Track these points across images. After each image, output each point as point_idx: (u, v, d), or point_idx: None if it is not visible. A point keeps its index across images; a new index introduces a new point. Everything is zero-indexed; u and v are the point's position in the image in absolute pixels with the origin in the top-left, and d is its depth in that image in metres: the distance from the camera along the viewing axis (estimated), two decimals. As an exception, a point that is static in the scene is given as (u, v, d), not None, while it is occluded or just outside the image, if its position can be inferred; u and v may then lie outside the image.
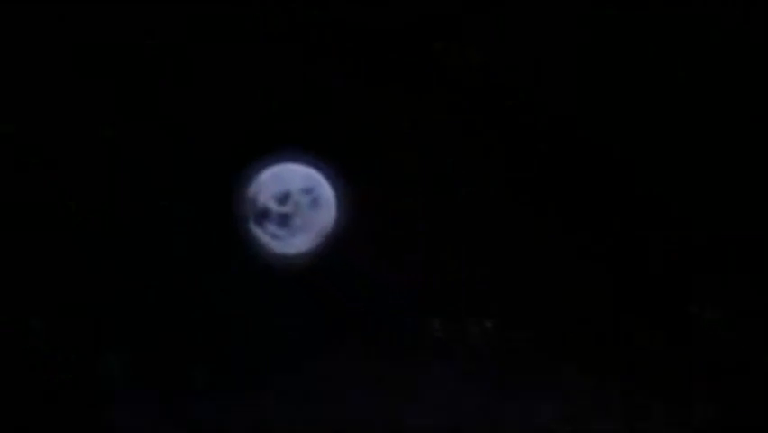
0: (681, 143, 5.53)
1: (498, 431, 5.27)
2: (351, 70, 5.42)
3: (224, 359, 5.29)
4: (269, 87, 5.39)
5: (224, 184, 5.34)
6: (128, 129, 5.34)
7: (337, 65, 5.41)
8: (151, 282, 5.29)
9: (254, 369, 5.25)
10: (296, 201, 5.38)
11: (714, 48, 5.57)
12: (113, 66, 5.34)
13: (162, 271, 5.31)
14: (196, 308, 5.35)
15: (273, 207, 5.37)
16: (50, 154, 5.31)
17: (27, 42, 5.32)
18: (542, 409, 5.32)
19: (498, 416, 5.29)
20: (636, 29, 5.56)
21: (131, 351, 5.25)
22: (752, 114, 5.56)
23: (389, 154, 5.45)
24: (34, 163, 5.32)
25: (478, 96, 5.50)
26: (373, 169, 5.42)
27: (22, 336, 5.24)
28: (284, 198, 5.38)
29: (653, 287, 5.50)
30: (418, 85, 5.48)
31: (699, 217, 5.51)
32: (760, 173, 5.53)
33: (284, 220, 5.37)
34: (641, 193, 5.54)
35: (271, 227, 5.37)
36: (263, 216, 5.36)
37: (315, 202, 5.38)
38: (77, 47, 5.31)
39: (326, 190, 5.38)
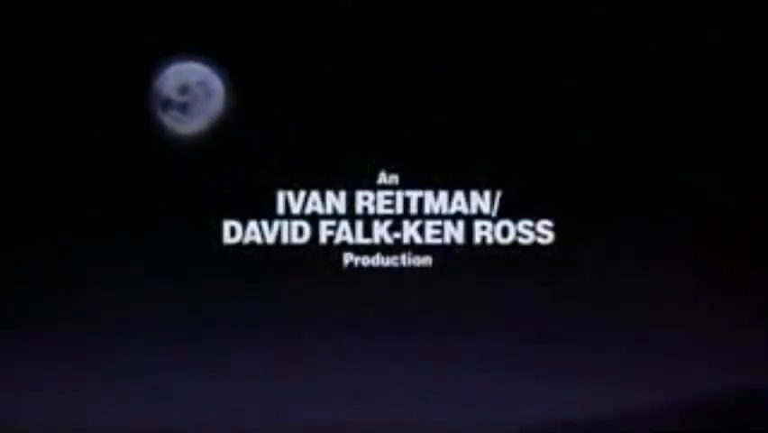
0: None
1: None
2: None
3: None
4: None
5: (137, 77, 6.70)
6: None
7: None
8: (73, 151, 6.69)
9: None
10: (193, 92, 6.74)
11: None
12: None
13: (82, 145, 6.71)
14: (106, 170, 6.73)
15: (175, 96, 6.74)
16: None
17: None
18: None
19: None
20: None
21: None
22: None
23: (270, 56, 6.74)
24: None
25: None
26: (256, 67, 6.73)
27: None
28: (183, 90, 6.74)
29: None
30: None
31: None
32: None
33: (183, 107, 6.73)
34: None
35: (174, 113, 6.74)
36: (167, 104, 6.72)
37: (208, 93, 6.74)
38: None
39: (217, 84, 6.74)
